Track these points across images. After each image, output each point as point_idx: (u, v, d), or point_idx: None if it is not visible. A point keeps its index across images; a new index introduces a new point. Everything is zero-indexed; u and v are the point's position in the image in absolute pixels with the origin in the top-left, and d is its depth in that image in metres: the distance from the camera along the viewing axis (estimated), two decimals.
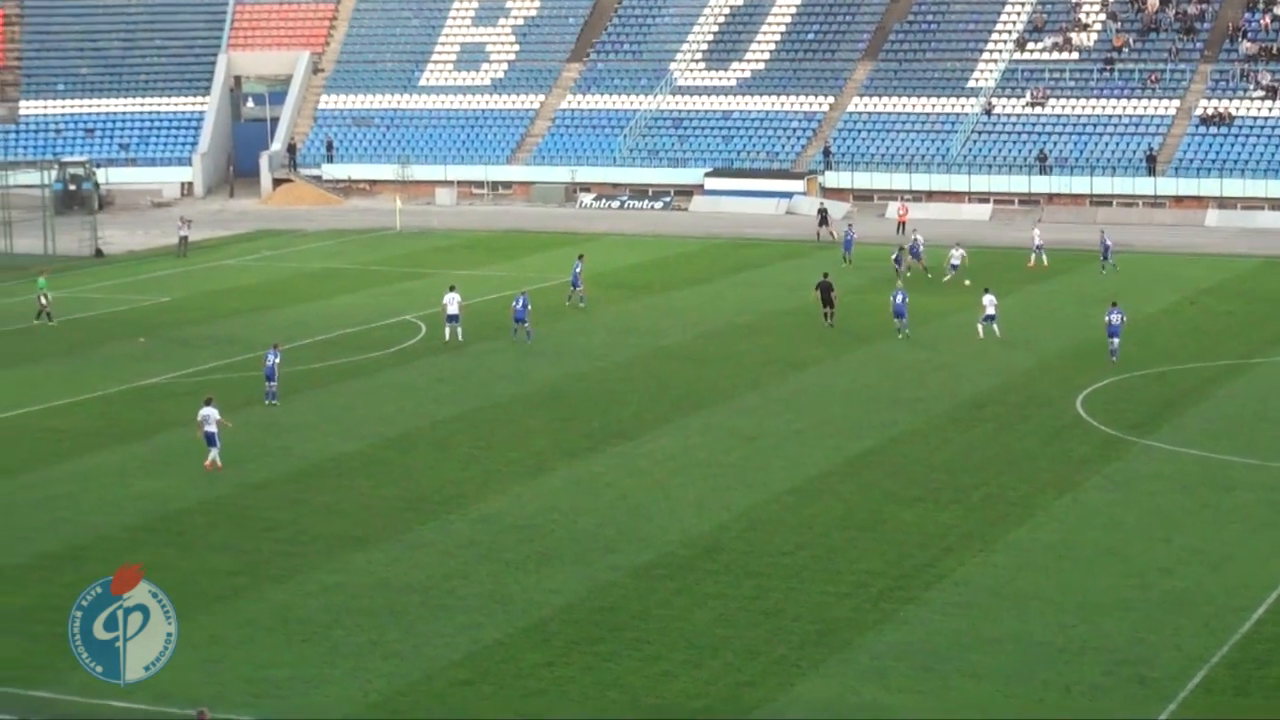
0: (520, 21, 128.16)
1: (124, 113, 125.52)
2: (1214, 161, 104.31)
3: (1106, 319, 63.90)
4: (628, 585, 41.30)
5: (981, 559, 42.71)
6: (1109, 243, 79.95)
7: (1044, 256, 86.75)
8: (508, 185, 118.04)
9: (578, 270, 76.81)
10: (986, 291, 67.78)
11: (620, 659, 36.76)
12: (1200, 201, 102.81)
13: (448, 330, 68.23)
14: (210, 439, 50.75)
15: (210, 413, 50.79)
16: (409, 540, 45.00)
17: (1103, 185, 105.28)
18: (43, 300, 75.75)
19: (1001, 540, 44.14)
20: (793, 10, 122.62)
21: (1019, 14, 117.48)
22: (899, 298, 67.80)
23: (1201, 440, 53.23)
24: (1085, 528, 45.14)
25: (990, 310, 66.97)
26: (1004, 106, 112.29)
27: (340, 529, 46.08)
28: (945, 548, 43.56)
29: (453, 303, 67.88)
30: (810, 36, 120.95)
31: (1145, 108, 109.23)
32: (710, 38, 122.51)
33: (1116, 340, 63.34)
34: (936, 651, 36.78)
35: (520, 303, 69.93)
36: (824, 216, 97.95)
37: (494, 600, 40.43)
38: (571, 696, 34.95)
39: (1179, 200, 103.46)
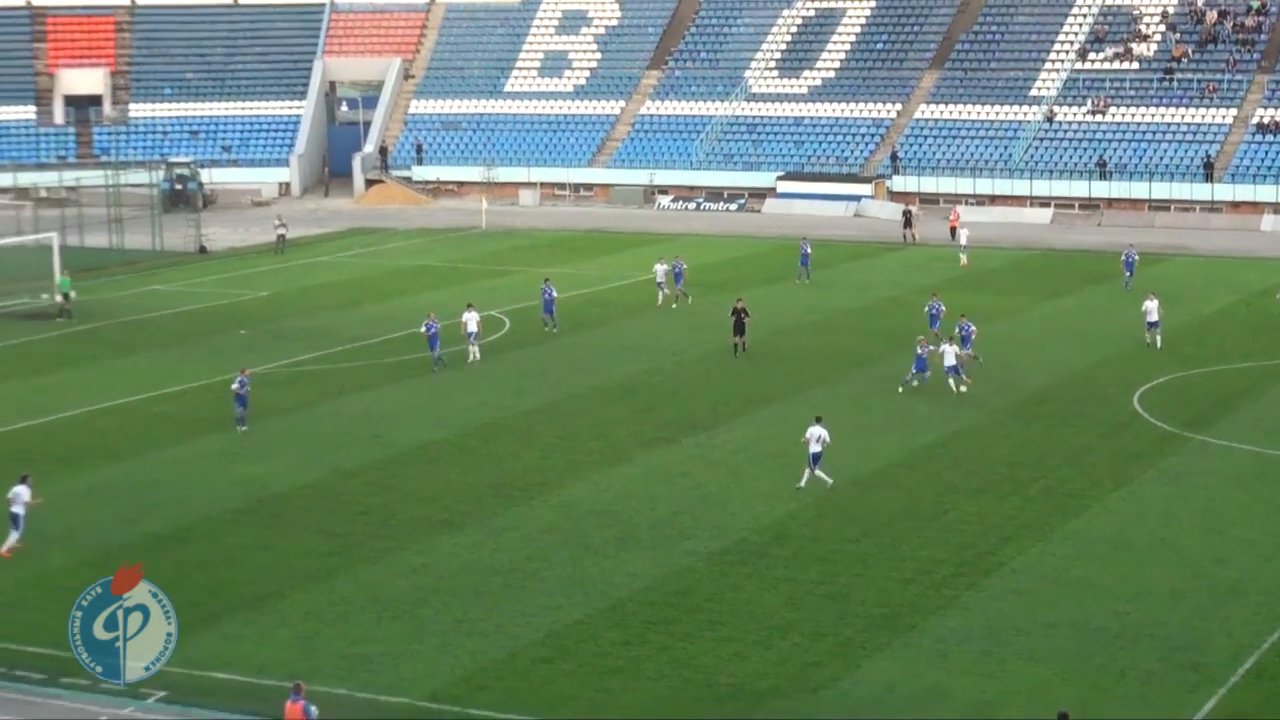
0: (602, 31, 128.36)
1: (226, 116, 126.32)
2: (1270, 168, 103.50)
3: (1143, 308, 65.16)
4: (702, 569, 41.45)
5: (1039, 548, 42.66)
6: (1133, 259, 79.06)
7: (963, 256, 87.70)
8: (589, 187, 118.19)
9: (681, 266, 76.87)
10: (1149, 297, 66.20)
11: (694, 639, 36.90)
12: (1256, 207, 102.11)
13: (472, 349, 65.40)
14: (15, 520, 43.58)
15: (21, 491, 43.94)
16: (493, 525, 45.23)
17: (1161, 191, 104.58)
18: (61, 298, 76.57)
19: (1059, 531, 44.07)
20: (862, 21, 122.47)
21: (1081, 25, 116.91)
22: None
23: (1254, 436, 52.94)
24: (1140, 520, 45.04)
25: (1153, 316, 64.99)
26: (1065, 114, 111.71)
27: (428, 513, 46.36)
28: (1004, 537, 43.54)
29: (471, 320, 65.39)
30: (879, 46, 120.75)
31: (1203, 116, 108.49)
32: (783, 47, 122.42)
33: (1156, 328, 64.61)
34: (996, 636, 36.79)
35: (549, 294, 70.55)
36: (908, 219, 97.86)
37: (574, 582, 40.63)
38: (647, 675, 35.12)
39: (1235, 206, 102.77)
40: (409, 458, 52.29)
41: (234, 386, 54.79)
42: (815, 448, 47.25)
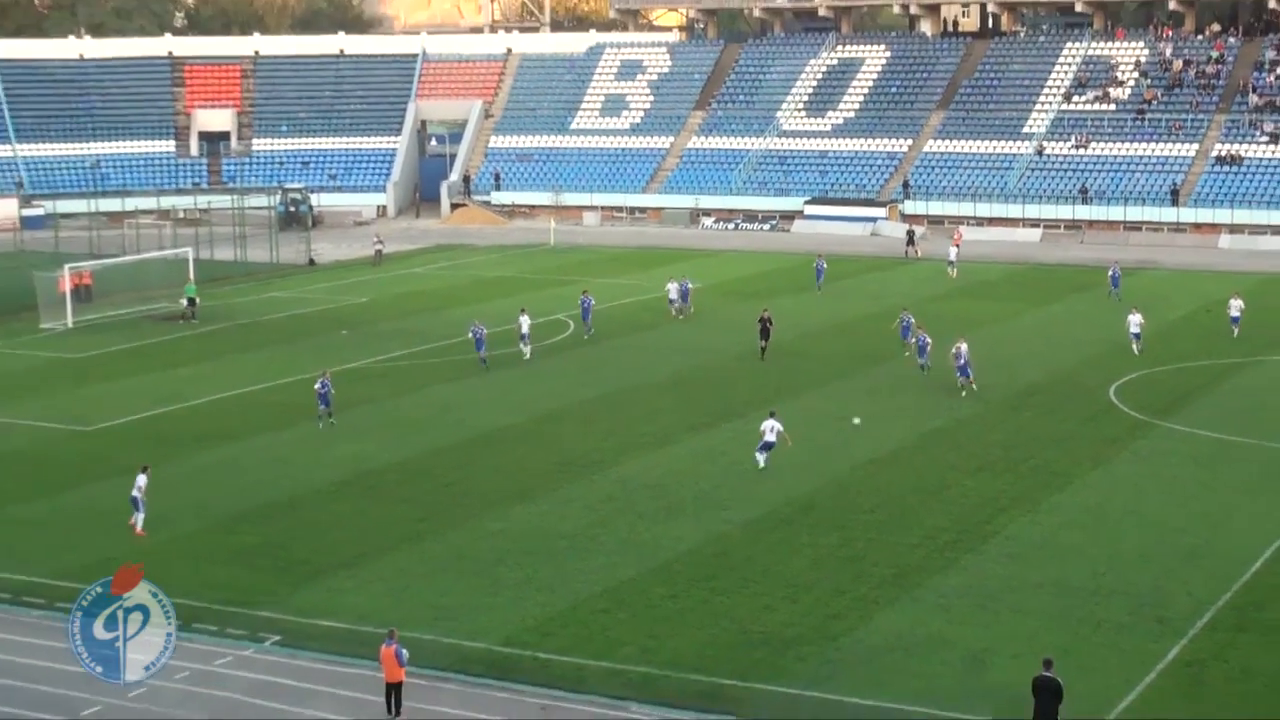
0: (655, 77, 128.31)
1: (333, 149, 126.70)
2: (1227, 195, 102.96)
3: (1128, 320, 64.49)
4: (738, 535, 41.47)
5: (1029, 518, 42.58)
6: (1117, 274, 78.62)
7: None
8: (643, 210, 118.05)
9: (688, 286, 76.20)
10: (1134, 311, 65.44)
11: (731, 594, 36.93)
12: (1215, 228, 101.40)
13: (524, 349, 65.13)
14: (135, 503, 42.78)
15: (141, 480, 42.83)
16: (560, 496, 45.30)
17: (1134, 214, 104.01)
18: (187, 303, 76.88)
19: (1045, 503, 43.96)
20: (879, 69, 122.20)
21: (1066, 72, 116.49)
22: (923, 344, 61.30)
23: (1212, 423, 52.65)
24: (1115, 494, 44.90)
25: (1135, 328, 64.00)
26: (1053, 148, 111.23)
27: (504, 486, 46.45)
28: (999, 509, 43.44)
29: (524, 324, 65.39)
30: (893, 90, 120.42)
31: (1170, 150, 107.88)
32: (810, 91, 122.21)
33: (1139, 339, 63.77)
34: (990, 593, 36.75)
35: (587, 303, 70.47)
36: (911, 237, 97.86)
37: (628, 545, 40.69)
38: (690, 624, 35.16)
39: (1197, 227, 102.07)
40: (486, 439, 52.40)
41: (316, 386, 54.49)
42: (770, 437, 47.10)
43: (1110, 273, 79.12)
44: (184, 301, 77.22)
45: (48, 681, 32.50)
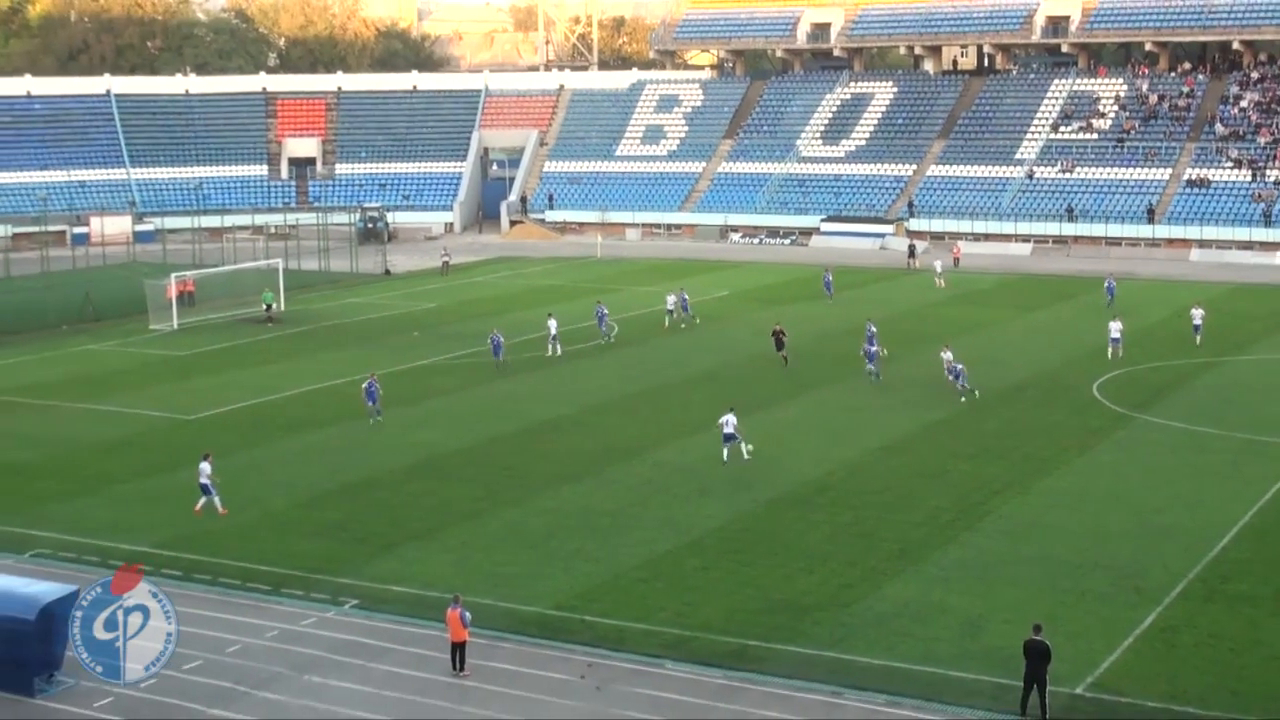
0: (689, 110, 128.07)
1: (406, 173, 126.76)
2: (1197, 214, 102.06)
3: (1109, 327, 64.03)
4: (761, 513, 41.28)
5: (1020, 500, 42.27)
6: (1113, 285, 77.92)
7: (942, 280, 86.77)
8: (678, 227, 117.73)
9: (685, 298, 74.69)
10: (1115, 319, 64.87)
11: (755, 566, 36.75)
12: (1186, 243, 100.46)
13: (551, 346, 65.43)
14: (204, 490, 42.21)
15: (204, 467, 42.33)
16: (604, 478, 45.18)
17: (1115, 230, 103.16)
18: (265, 308, 77.23)
19: (1035, 487, 43.64)
20: (887, 102, 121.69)
21: (1054, 105, 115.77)
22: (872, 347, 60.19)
23: (1184, 416, 52.22)
24: (1098, 478, 44.54)
25: (1115, 334, 63.19)
26: (1042, 172, 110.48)
27: (555, 469, 46.35)
28: (993, 491, 43.13)
29: (552, 326, 66.02)
30: (900, 121, 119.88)
31: (1146, 174, 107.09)
32: (826, 121, 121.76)
33: (1118, 344, 63.00)
34: (986, 566, 36.49)
35: (601, 312, 70.04)
36: (912, 250, 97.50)
37: (665, 522, 40.53)
38: (719, 591, 35.01)
39: (1170, 242, 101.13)
40: (540, 428, 52.29)
41: (364, 385, 53.83)
42: (728, 430, 46.40)
43: (1106, 284, 78.30)
44: (263, 307, 77.40)
45: None
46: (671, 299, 74.69)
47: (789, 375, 60.20)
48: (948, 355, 57.16)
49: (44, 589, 30.80)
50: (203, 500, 41.98)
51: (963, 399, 55.23)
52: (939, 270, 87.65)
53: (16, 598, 30.15)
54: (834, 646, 31.50)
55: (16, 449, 50.12)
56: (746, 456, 46.48)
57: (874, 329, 63.26)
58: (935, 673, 30.10)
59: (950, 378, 56.03)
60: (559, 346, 65.60)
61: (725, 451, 46.53)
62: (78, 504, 43.25)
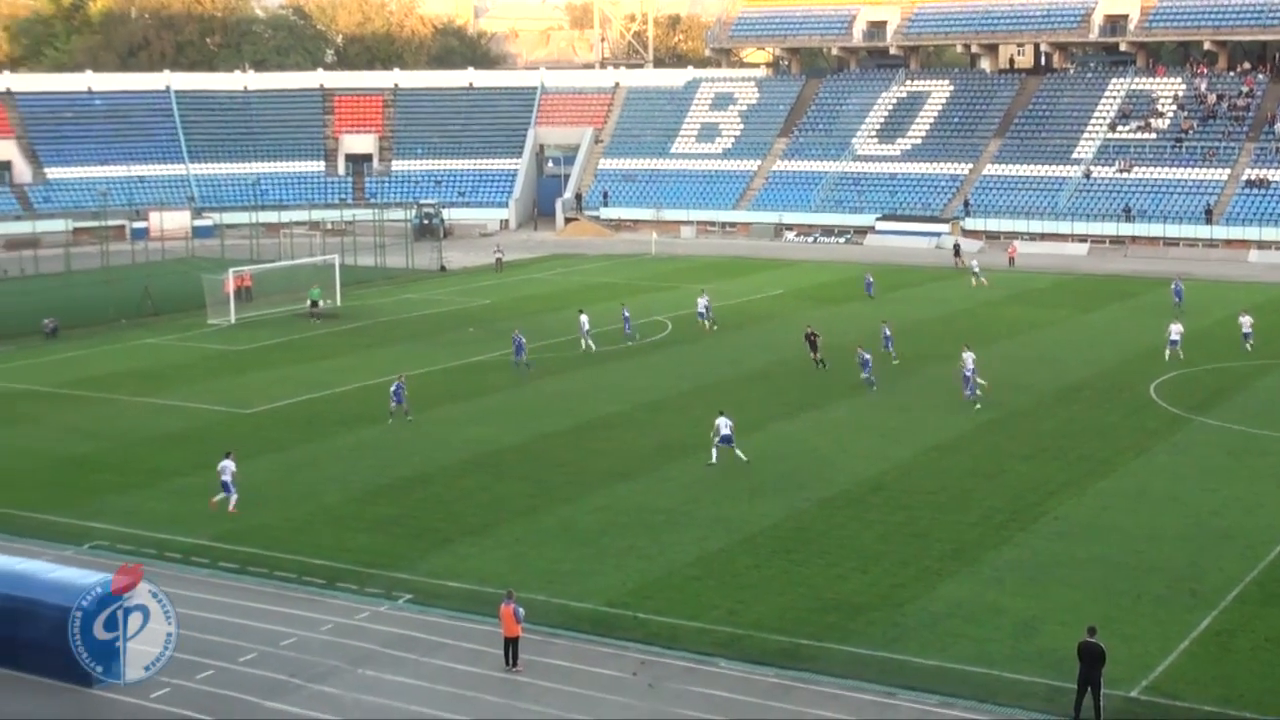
0: (744, 108, 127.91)
1: (462, 170, 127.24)
2: (1255, 215, 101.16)
3: (1168, 329, 63.40)
4: (814, 512, 41.15)
5: (1076, 501, 41.95)
6: (1180, 287, 76.93)
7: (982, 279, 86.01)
8: (733, 225, 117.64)
9: (705, 302, 72.88)
10: (1175, 321, 64.56)
11: (807, 565, 36.65)
12: (1244, 244, 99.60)
13: (585, 342, 65.99)
14: (225, 487, 42.04)
15: (227, 464, 42.26)
16: (658, 476, 45.15)
17: (1172, 231, 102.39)
18: (310, 304, 77.39)
19: (1091, 488, 43.29)
20: (943, 101, 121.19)
21: (1111, 105, 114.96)
22: (865, 356, 58.08)
23: (1243, 419, 51.70)
24: (1154, 480, 44.14)
25: (1175, 336, 62.40)
26: (1099, 172, 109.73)
27: (608, 466, 46.36)
28: (1049, 492, 42.83)
29: (585, 321, 66.53)
30: (956, 120, 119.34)
31: (1205, 174, 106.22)
32: (882, 120, 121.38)
33: (1176, 346, 62.40)
34: (1041, 567, 36.24)
35: (627, 313, 70.09)
36: (957, 249, 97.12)
37: (717, 520, 40.47)
38: (771, 590, 34.93)
39: (1229, 243, 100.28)
40: (594, 425, 52.33)
41: (391, 387, 53.77)
42: (725, 431, 46.02)
43: (1174, 286, 77.44)
44: (308, 303, 77.79)
45: (215, 631, 32.75)
46: (702, 302, 73.18)
47: (841, 375, 59.89)
48: (969, 356, 56.03)
49: (103, 580, 31.07)
50: (220, 495, 41.95)
51: (976, 406, 53.88)
52: (976, 269, 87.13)
53: (75, 589, 30.44)
54: (887, 646, 31.37)
55: (77, 442, 50.63)
56: (745, 458, 45.87)
57: (889, 331, 63.21)
58: (988, 674, 29.94)
59: (965, 378, 54.95)
60: (592, 343, 65.83)
61: (715, 453, 45.88)
62: (136, 496, 43.64)
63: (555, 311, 77.42)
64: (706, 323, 71.82)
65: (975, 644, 31.42)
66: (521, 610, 30.73)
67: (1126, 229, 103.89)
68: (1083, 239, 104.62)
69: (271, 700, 29.37)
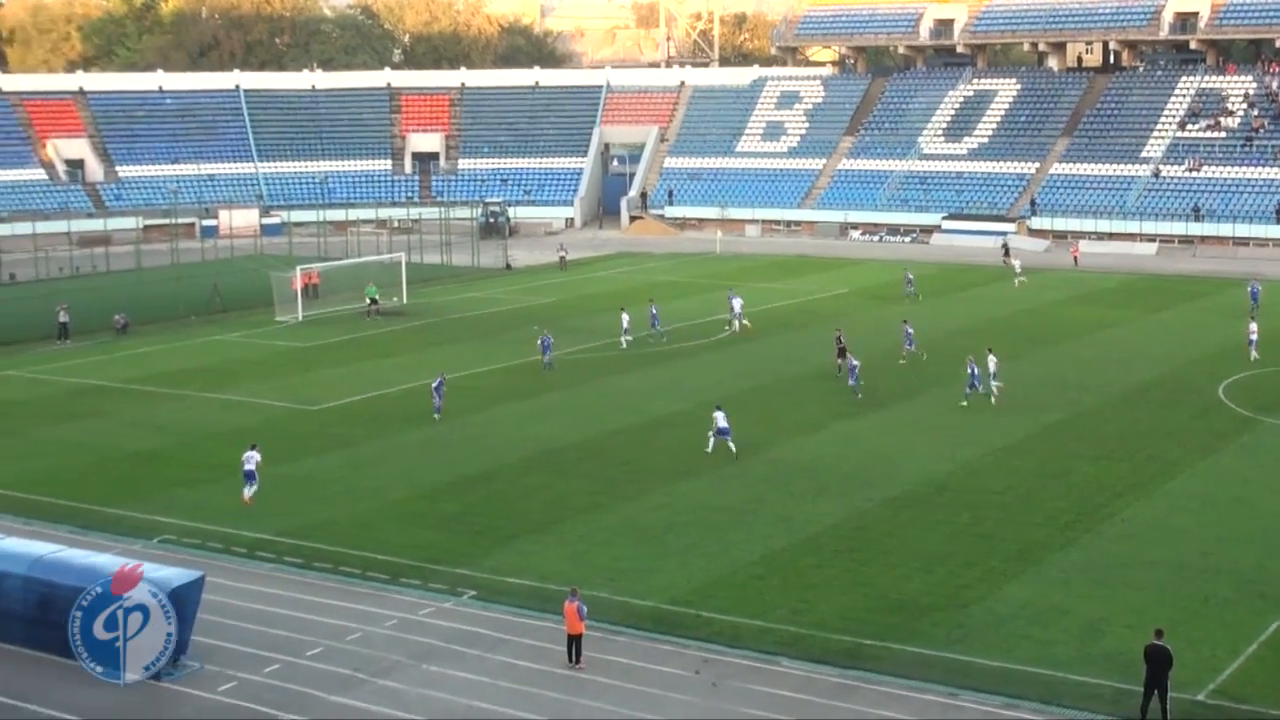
0: (810, 106, 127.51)
1: (528, 168, 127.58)
2: None
3: (1248, 329, 62.88)
4: (878, 512, 40.97)
5: (1143, 503, 41.54)
6: (1258, 289, 75.88)
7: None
8: (798, 223, 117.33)
9: (736, 302, 72.14)
10: (1252, 320, 64.29)
11: (871, 565, 36.49)
12: None
13: (624, 339, 66.97)
14: (249, 477, 42.61)
15: (252, 455, 43.01)
16: (721, 474, 45.06)
17: (1242, 230, 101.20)
18: (369, 301, 77.71)
19: (1158, 490, 42.87)
20: (1010, 100, 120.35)
21: (1181, 103, 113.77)
22: (854, 366, 56.66)
23: None
24: (1222, 482, 43.67)
25: (1253, 335, 62.13)
26: (1168, 171, 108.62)
27: (672, 464, 46.32)
28: (1115, 493, 42.44)
29: (625, 320, 67.43)
30: (1023, 118, 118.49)
31: (1276, 173, 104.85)
32: (949, 119, 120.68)
33: (1253, 346, 61.90)
34: (1107, 569, 35.91)
35: (654, 310, 70.26)
36: (1006, 249, 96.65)
37: (781, 519, 40.37)
38: (835, 590, 34.80)
39: None
40: (657, 423, 52.32)
41: (434, 384, 54.05)
42: (721, 424, 46.73)
43: (1250, 288, 75.92)
44: (366, 300, 78.17)
45: (280, 625, 33.02)
46: (737, 302, 72.17)
47: (907, 374, 59.61)
48: (990, 360, 55.45)
49: (170, 574, 31.38)
50: (251, 488, 42.38)
51: (963, 402, 53.91)
52: (1018, 269, 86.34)
53: (144, 582, 30.69)
54: (951, 647, 31.18)
55: (147, 437, 51.16)
56: (733, 449, 46.66)
57: (911, 330, 63.24)
58: (1054, 676, 29.69)
59: (973, 375, 54.62)
60: (627, 339, 66.59)
61: (711, 442, 46.91)
62: (203, 491, 44.01)
63: (619, 310, 77.03)
64: (738, 324, 70.91)
65: (1040, 645, 31.16)
66: (584, 607, 30.76)
67: (1195, 229, 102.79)
68: (1151, 239, 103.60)
69: (336, 695, 29.54)
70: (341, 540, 38.93)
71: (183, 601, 30.56)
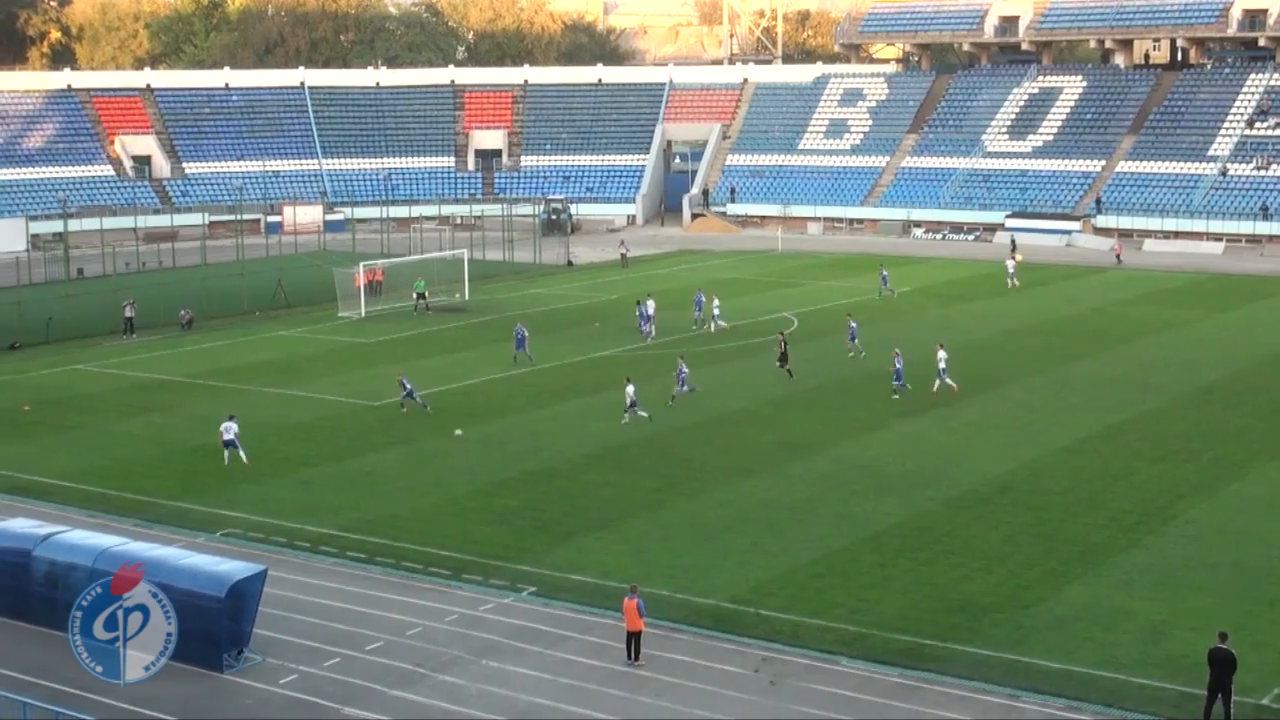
0: (873, 104, 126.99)
1: (590, 165, 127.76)
2: None
3: None
4: (940, 512, 40.79)
5: (1207, 504, 41.16)
6: None
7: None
8: (860, 221, 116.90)
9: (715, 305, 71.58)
10: None
11: (933, 564, 36.34)
12: None
13: (649, 329, 68.86)
14: (231, 444, 46.35)
15: (230, 425, 46.64)
16: (782, 472, 45.02)
17: None
18: (416, 296, 78.35)
19: (1223, 491, 42.47)
20: (1076, 96, 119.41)
21: (1250, 101, 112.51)
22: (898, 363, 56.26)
23: None
24: None
25: None
26: (1236, 170, 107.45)
27: (733, 462, 46.32)
28: (1179, 495, 42.07)
29: (650, 307, 69.57)
30: (1089, 116, 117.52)
31: None
32: (1013, 116, 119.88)
33: None
34: (1171, 571, 35.60)
35: (700, 298, 71.80)
36: (1014, 245, 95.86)
37: (842, 518, 40.28)
38: (896, 589, 34.69)
39: None
40: (719, 421, 52.29)
41: (516, 332, 57.82)
42: (634, 397, 51.17)
43: None
44: (414, 295, 78.45)
45: (342, 619, 33.26)
46: (716, 301, 71.66)
47: (969, 373, 59.16)
48: (942, 354, 55.73)
49: (234, 567, 31.70)
50: (228, 454, 45.66)
51: (894, 396, 54.67)
52: (1010, 270, 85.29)
53: (208, 575, 31.06)
54: (1012, 648, 31.01)
55: (210, 431, 51.50)
56: (645, 415, 50.39)
57: (854, 325, 63.54)
58: (1116, 678, 29.48)
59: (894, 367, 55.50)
60: (652, 328, 68.33)
61: (626, 416, 50.77)
62: (267, 486, 44.38)
63: (680, 308, 76.96)
64: (711, 325, 70.30)
65: (1103, 648, 30.94)
66: (644, 605, 30.79)
67: (1264, 228, 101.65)
68: (1218, 238, 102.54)
69: (397, 689, 29.73)
70: (403, 535, 39.17)
71: (245, 595, 30.87)
